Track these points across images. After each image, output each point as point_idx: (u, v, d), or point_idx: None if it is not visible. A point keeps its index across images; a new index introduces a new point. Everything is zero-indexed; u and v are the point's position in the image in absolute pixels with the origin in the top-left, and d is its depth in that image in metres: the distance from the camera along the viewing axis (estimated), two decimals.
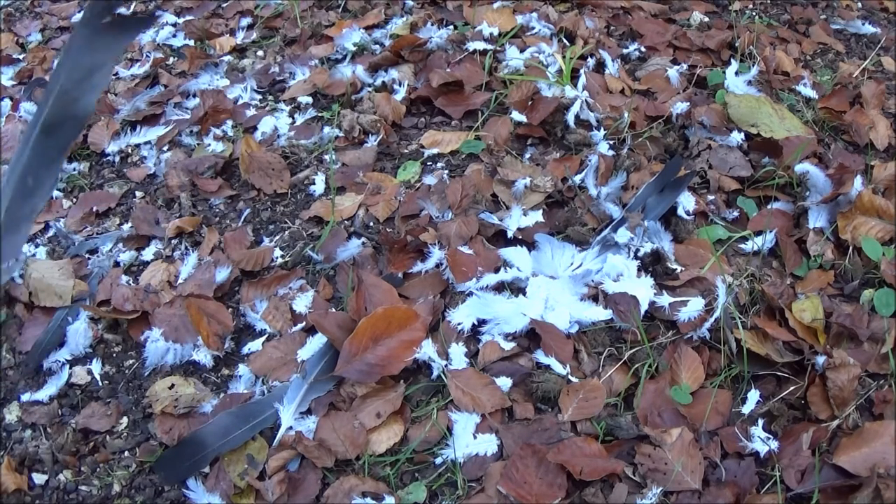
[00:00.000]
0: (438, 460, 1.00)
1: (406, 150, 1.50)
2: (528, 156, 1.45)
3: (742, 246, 1.26)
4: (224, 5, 2.03)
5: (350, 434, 1.01)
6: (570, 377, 1.05)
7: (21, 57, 1.96)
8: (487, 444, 1.00)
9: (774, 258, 1.25)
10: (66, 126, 0.49)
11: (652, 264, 1.20)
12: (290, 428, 1.03)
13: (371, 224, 1.34)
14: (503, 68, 1.63)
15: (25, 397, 1.13)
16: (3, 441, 1.09)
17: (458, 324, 1.11)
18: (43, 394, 1.14)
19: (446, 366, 1.07)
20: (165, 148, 1.56)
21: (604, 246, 1.22)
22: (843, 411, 1.01)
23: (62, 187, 1.52)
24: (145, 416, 1.10)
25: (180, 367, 1.16)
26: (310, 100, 1.63)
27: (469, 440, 1.00)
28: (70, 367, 1.17)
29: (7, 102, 1.75)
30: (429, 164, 1.46)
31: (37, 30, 2.07)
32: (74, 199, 1.49)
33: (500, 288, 1.17)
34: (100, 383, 1.16)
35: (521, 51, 1.67)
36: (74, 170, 1.55)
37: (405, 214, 1.32)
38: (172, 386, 1.11)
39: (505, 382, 1.05)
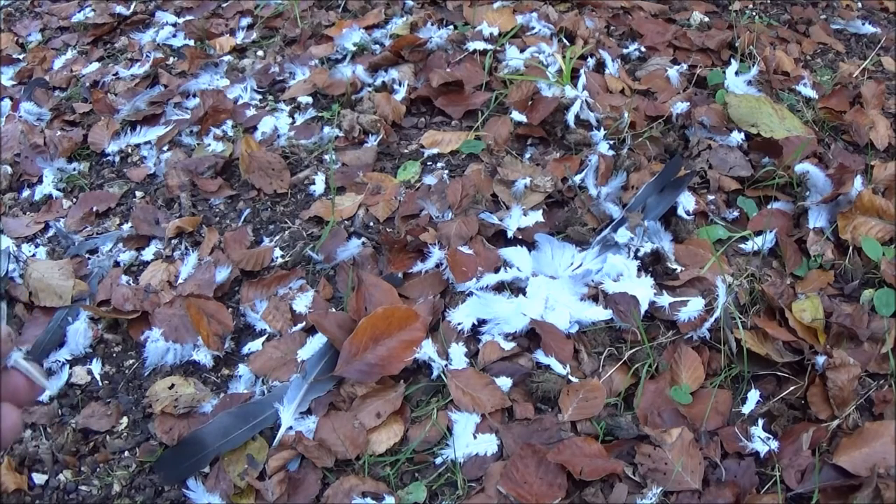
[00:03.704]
0: (438, 460, 1.00)
1: (406, 150, 1.50)
2: (528, 156, 1.45)
3: (742, 246, 1.26)
4: (224, 5, 2.03)
5: (350, 434, 1.01)
6: (570, 377, 1.05)
7: (21, 57, 1.97)
8: (487, 444, 1.00)
9: (774, 258, 1.25)
10: None
11: (652, 264, 1.20)
12: (290, 428, 1.03)
13: (371, 224, 1.34)
14: (503, 68, 1.63)
15: None
16: None
17: (458, 324, 1.11)
18: (43, 394, 1.14)
19: (446, 366, 1.07)
20: (165, 148, 1.56)
21: (604, 246, 1.22)
22: (843, 411, 1.01)
23: (62, 187, 1.52)
24: (145, 416, 1.10)
25: (180, 367, 1.16)
26: (310, 100, 1.63)
27: (469, 440, 1.00)
28: (70, 367, 1.17)
29: (7, 102, 1.75)
30: (429, 164, 1.46)
31: (37, 30, 2.07)
32: (74, 199, 1.49)
33: (500, 288, 1.17)
34: (100, 383, 1.16)
35: (521, 51, 1.67)
36: (74, 170, 1.55)
37: (405, 214, 1.32)
38: (172, 386, 1.11)
39: (505, 382, 1.05)
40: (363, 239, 1.28)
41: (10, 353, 0.46)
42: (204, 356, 1.15)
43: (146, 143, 1.58)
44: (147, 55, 1.85)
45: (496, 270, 1.19)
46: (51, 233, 1.42)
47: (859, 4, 2.08)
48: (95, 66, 1.86)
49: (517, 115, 1.49)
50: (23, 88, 1.81)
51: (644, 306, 1.12)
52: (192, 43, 1.89)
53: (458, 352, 1.09)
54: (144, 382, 1.15)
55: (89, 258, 1.35)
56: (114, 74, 1.80)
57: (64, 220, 1.44)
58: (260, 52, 1.85)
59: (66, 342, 1.20)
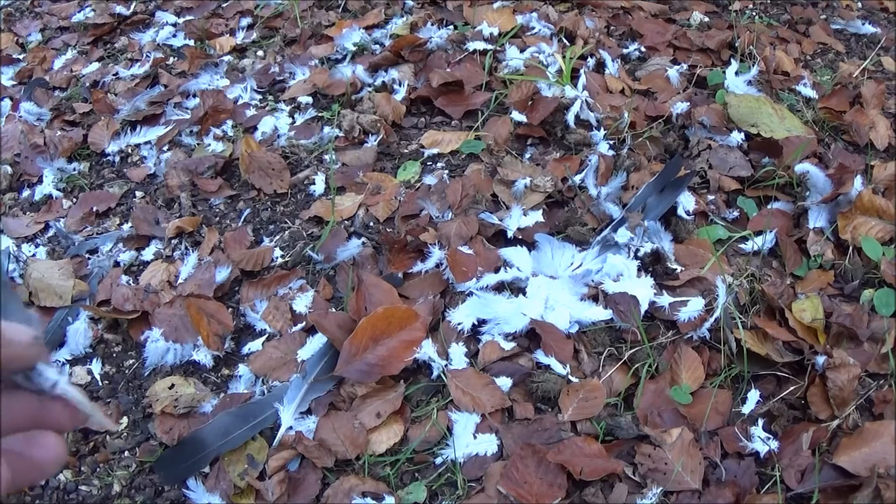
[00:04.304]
0: (438, 460, 1.00)
1: (406, 150, 1.50)
2: (528, 156, 1.45)
3: (742, 246, 1.26)
4: (224, 5, 2.03)
5: (350, 434, 1.01)
6: (570, 377, 1.05)
7: (21, 57, 1.97)
8: (487, 444, 1.00)
9: (774, 258, 1.25)
10: None
11: (652, 264, 1.20)
12: (290, 428, 1.03)
13: (371, 224, 1.34)
14: (503, 68, 1.63)
15: None
16: None
17: (458, 324, 1.11)
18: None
19: (446, 366, 1.07)
20: (165, 148, 1.56)
21: (604, 246, 1.22)
22: (843, 411, 1.01)
23: (62, 187, 1.52)
24: (145, 416, 1.10)
25: (180, 367, 1.16)
26: (310, 100, 1.63)
27: (469, 440, 1.00)
28: (70, 367, 1.17)
29: (7, 102, 1.75)
30: (429, 164, 1.46)
31: (37, 30, 2.07)
32: (74, 199, 1.49)
33: (500, 288, 1.17)
34: (100, 383, 1.16)
35: (521, 51, 1.67)
36: (74, 170, 1.55)
37: (405, 214, 1.32)
38: (172, 386, 1.11)
39: (505, 382, 1.05)
40: (363, 239, 1.28)
41: (37, 358, 0.39)
42: (204, 356, 1.15)
43: (146, 143, 1.58)
44: (147, 55, 1.85)
45: (496, 270, 1.19)
46: (51, 233, 1.42)
47: (859, 4, 2.08)
48: (95, 66, 1.86)
49: (517, 115, 1.49)
50: (23, 88, 1.81)
51: (644, 306, 1.12)
52: (192, 43, 1.89)
53: (458, 352, 1.09)
54: (144, 382, 1.15)
55: (89, 258, 1.35)
56: (114, 74, 1.80)
57: (64, 220, 1.44)
58: (260, 52, 1.85)
59: (66, 342, 1.20)
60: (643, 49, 1.76)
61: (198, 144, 1.56)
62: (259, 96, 1.69)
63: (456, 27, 1.81)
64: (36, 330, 0.38)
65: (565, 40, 1.75)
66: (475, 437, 1.00)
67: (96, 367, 1.17)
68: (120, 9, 2.04)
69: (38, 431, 0.39)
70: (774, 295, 1.13)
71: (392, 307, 1.11)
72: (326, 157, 1.49)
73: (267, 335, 1.18)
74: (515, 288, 1.17)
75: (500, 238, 1.27)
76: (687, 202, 1.29)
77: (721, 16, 1.94)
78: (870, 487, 0.91)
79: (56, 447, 0.40)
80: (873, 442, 0.96)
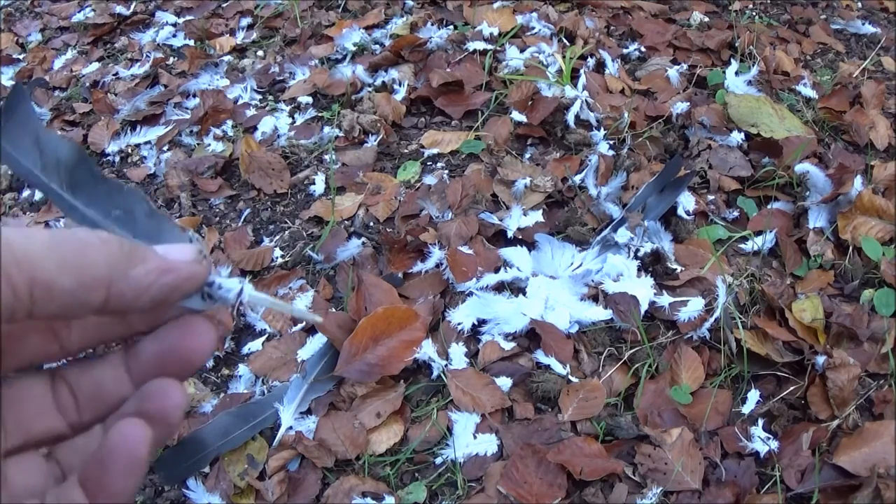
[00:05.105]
0: (438, 460, 1.00)
1: (406, 150, 1.50)
2: (528, 156, 1.45)
3: (742, 246, 1.26)
4: (224, 5, 2.03)
5: (350, 434, 1.01)
6: (570, 377, 1.05)
7: (21, 57, 1.97)
8: (487, 444, 1.00)
9: (774, 258, 1.25)
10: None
11: (652, 264, 1.20)
12: (290, 428, 1.03)
13: (371, 224, 1.34)
14: (503, 68, 1.63)
15: None
16: None
17: (458, 324, 1.11)
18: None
19: (446, 366, 1.07)
20: (165, 148, 1.56)
21: (604, 246, 1.22)
22: (843, 411, 1.01)
23: None
24: None
25: None
26: (310, 100, 1.63)
27: (469, 440, 1.00)
28: None
29: None
30: (429, 164, 1.46)
31: (37, 30, 2.07)
32: None
33: (500, 288, 1.17)
34: None
35: (521, 51, 1.67)
36: None
37: (405, 214, 1.32)
38: None
39: (505, 382, 1.05)
40: (363, 239, 1.28)
41: (206, 273, 0.34)
42: None
43: (146, 143, 1.58)
44: (147, 55, 1.85)
45: (496, 270, 1.19)
46: None
47: (859, 4, 2.08)
48: (95, 66, 1.86)
49: (517, 115, 1.49)
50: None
51: (644, 306, 1.12)
52: (192, 43, 1.89)
53: (458, 352, 1.09)
54: None
55: None
56: (114, 74, 1.80)
57: (64, 221, 1.44)
58: (260, 52, 1.85)
59: None
60: (643, 49, 1.76)
61: (198, 144, 1.56)
62: (259, 96, 1.69)
63: (456, 27, 1.81)
64: (198, 244, 0.35)
65: (565, 40, 1.75)
66: (475, 437, 1.00)
67: None
68: (120, 9, 2.04)
69: (151, 382, 0.36)
70: (774, 295, 1.13)
71: (392, 307, 1.11)
72: (326, 157, 1.49)
73: (267, 335, 1.18)
74: (515, 288, 1.17)
75: (500, 238, 1.26)
76: (687, 202, 1.29)
77: (721, 16, 1.94)
78: (870, 487, 0.91)
79: (177, 394, 0.35)
80: (873, 442, 0.96)
